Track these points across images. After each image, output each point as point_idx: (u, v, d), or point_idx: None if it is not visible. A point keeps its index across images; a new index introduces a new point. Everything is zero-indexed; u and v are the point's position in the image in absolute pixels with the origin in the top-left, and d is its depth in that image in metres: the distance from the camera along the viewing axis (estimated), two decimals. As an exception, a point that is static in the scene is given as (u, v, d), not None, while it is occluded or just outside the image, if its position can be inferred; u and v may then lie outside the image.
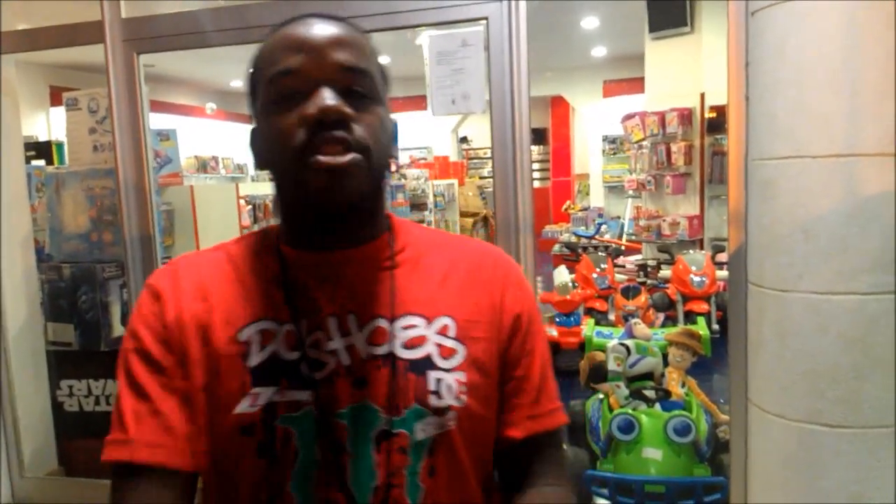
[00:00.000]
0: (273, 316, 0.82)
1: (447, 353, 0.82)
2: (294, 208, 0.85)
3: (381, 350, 0.81)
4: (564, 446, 0.95)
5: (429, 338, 0.82)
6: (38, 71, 8.28)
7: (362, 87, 0.79)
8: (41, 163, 5.75)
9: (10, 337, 3.14)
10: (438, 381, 0.81)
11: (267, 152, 0.82)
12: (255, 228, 6.30)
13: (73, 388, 3.18)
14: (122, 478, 0.79)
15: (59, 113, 7.57)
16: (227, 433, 0.78)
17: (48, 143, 6.55)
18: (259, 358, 0.80)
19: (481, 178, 11.80)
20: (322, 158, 0.75)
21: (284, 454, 0.78)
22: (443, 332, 0.83)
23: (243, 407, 0.78)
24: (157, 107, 8.97)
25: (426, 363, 0.81)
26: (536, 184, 12.25)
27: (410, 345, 0.82)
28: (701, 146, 6.04)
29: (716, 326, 4.57)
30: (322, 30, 0.79)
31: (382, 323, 0.82)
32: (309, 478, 0.78)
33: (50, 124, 8.60)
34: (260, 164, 0.86)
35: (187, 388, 0.80)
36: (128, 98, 2.84)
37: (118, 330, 3.14)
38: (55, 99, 8.34)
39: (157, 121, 3.03)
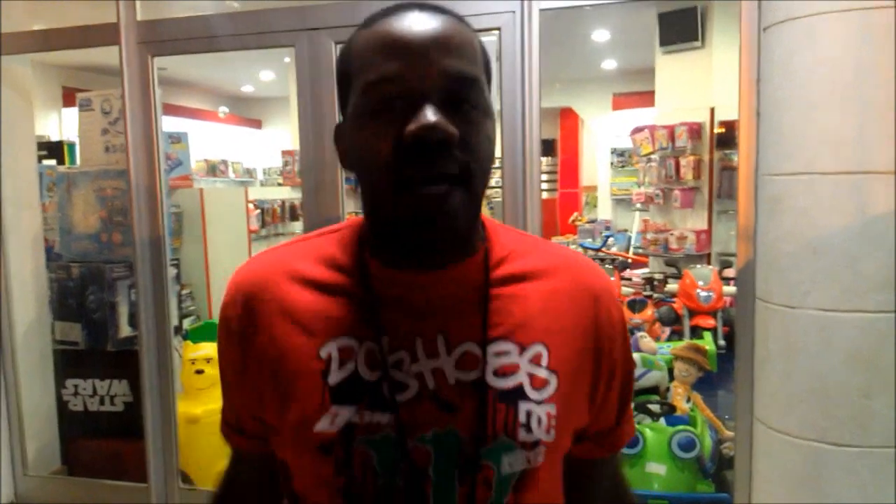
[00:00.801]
0: (354, 332, 0.76)
1: (539, 384, 0.76)
2: (384, 228, 0.77)
3: (471, 376, 0.75)
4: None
5: (521, 366, 0.76)
6: (51, 71, 8.34)
7: (470, 98, 0.70)
8: (52, 162, 5.78)
9: (18, 335, 3.16)
10: (528, 413, 0.75)
11: (356, 162, 0.74)
12: (263, 233, 6.34)
13: (78, 387, 3.19)
14: (233, 456, 0.90)
15: (72, 113, 7.63)
16: (304, 452, 0.76)
17: (60, 143, 6.59)
18: (339, 376, 0.75)
19: (489, 188, 11.79)
20: (423, 189, 0.67)
21: (364, 477, 0.74)
22: (536, 360, 0.77)
23: (322, 425, 0.74)
24: (168, 110, 9.01)
25: (517, 393, 0.75)
26: (544, 195, 12.24)
27: (502, 373, 0.75)
28: (710, 161, 6.03)
29: (722, 342, 4.55)
30: (426, 27, 0.69)
31: (473, 348, 0.76)
32: (389, 502, 0.74)
33: (62, 124, 8.65)
34: (347, 167, 0.79)
35: (263, 403, 0.80)
36: (141, 100, 2.86)
37: (125, 330, 3.15)
38: (68, 99, 8.40)
39: (167, 123, 3.05)
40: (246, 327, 0.79)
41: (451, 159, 0.68)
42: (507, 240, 0.83)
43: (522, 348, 0.77)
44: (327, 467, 0.74)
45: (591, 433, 0.85)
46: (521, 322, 0.77)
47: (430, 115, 0.66)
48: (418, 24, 0.69)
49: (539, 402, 0.76)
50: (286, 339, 0.77)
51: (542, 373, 0.76)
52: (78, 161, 3.40)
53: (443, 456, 0.74)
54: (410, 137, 0.66)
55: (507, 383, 0.75)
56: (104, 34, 2.86)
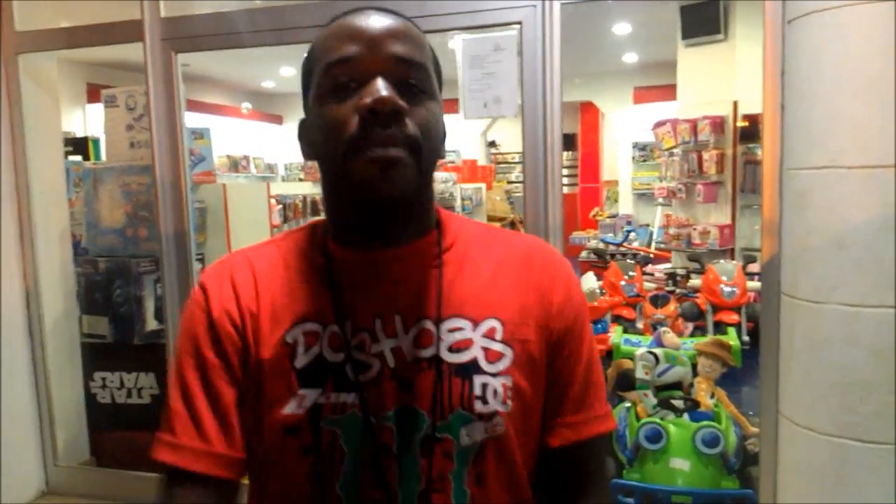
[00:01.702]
0: (318, 317, 0.81)
1: (494, 357, 0.80)
2: (341, 201, 0.83)
3: (427, 353, 0.79)
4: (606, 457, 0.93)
5: (475, 341, 0.80)
6: (76, 68, 8.46)
7: (417, 80, 0.78)
8: (78, 158, 5.86)
9: (47, 328, 3.22)
10: (484, 385, 0.79)
11: (318, 142, 0.80)
12: (285, 228, 6.38)
13: (106, 380, 3.24)
14: (171, 480, 0.80)
15: (96, 109, 7.72)
16: (272, 433, 0.79)
17: (85, 139, 6.67)
18: (305, 360, 0.79)
19: (509, 182, 11.78)
20: (373, 152, 0.73)
21: (331, 455, 0.78)
22: (489, 334, 0.81)
23: (290, 408, 0.78)
24: (191, 106, 9.09)
25: (472, 367, 0.79)
26: (565, 189, 12.19)
27: (456, 348, 0.80)
28: (733, 155, 5.97)
29: (746, 338, 4.51)
30: (380, 21, 0.78)
31: (429, 325, 0.80)
32: (356, 479, 0.78)
33: (87, 120, 8.76)
34: (309, 155, 0.85)
35: (232, 386, 0.81)
36: (165, 96, 2.89)
37: (151, 324, 3.20)
38: (92, 95, 8.51)
39: (190, 119, 3.08)
40: (216, 320, 0.82)
41: (402, 129, 0.75)
42: (460, 225, 0.89)
43: (476, 323, 0.81)
44: (295, 448, 0.78)
45: (561, 417, 0.86)
46: (473, 298, 0.83)
47: (382, 89, 0.74)
48: (374, 18, 0.78)
49: (494, 375, 0.80)
50: (253, 328, 0.81)
51: (496, 346, 0.81)
52: (103, 157, 3.45)
53: (405, 432, 0.78)
54: (365, 108, 0.73)
55: (462, 358, 0.80)
56: (128, 31, 2.90)
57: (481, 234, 0.90)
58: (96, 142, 6.40)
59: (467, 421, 0.78)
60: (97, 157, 6.22)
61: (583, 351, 0.87)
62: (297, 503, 0.80)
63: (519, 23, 2.49)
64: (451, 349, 0.80)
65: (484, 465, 0.80)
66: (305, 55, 0.84)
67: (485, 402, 0.79)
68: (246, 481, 0.85)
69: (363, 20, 0.78)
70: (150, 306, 3.20)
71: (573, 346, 0.86)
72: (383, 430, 0.78)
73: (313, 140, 0.82)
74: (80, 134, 7.84)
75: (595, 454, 0.90)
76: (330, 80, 0.77)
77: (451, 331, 0.81)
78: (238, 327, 0.81)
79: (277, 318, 0.81)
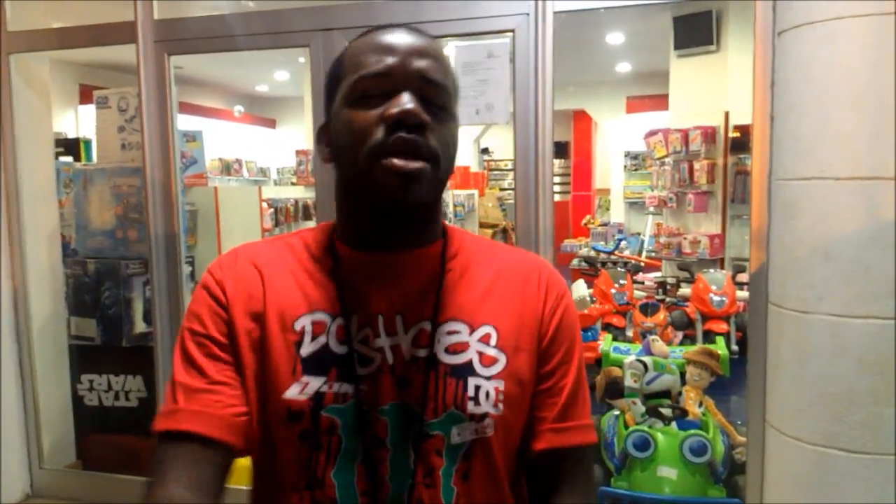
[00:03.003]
0: (326, 309, 0.85)
1: (488, 362, 0.85)
2: (357, 204, 0.87)
3: (424, 353, 0.84)
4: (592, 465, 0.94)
5: (471, 345, 0.85)
6: (68, 68, 8.43)
7: (439, 99, 0.83)
8: (69, 159, 5.83)
9: (35, 330, 3.20)
10: (477, 387, 0.83)
11: (341, 146, 0.84)
12: (277, 231, 6.37)
13: (93, 382, 3.22)
14: (164, 443, 0.80)
15: (88, 110, 7.70)
16: (274, 417, 0.82)
17: (76, 140, 6.65)
18: (311, 348, 0.83)
19: (501, 189, 11.80)
20: (396, 161, 0.78)
21: (328, 442, 0.81)
22: (485, 340, 0.86)
23: (293, 393, 0.81)
24: (184, 108, 9.07)
25: (466, 369, 0.84)
26: (557, 197, 12.22)
27: (452, 350, 0.84)
28: (724, 165, 6.00)
29: (735, 347, 4.53)
30: (410, 40, 0.83)
31: (427, 326, 0.85)
32: (350, 468, 0.81)
33: (78, 121, 8.73)
34: (328, 158, 0.89)
35: (239, 369, 0.84)
36: (157, 98, 2.89)
37: (140, 326, 3.18)
38: (84, 97, 8.48)
39: (183, 122, 3.08)
40: (223, 302, 0.86)
41: (424, 141, 0.79)
42: (466, 237, 0.95)
43: (472, 328, 0.86)
44: (295, 433, 0.82)
45: (549, 423, 0.89)
46: (471, 305, 0.87)
47: (408, 102, 0.79)
48: (406, 37, 0.83)
49: (488, 378, 0.84)
50: (261, 313, 0.85)
51: (490, 351, 0.85)
52: (94, 158, 3.43)
53: (398, 426, 0.82)
54: (392, 118, 0.78)
55: (458, 360, 0.84)
56: (121, 33, 2.89)
57: (483, 247, 0.95)
58: (88, 143, 6.38)
59: (459, 420, 0.82)
60: (88, 158, 6.20)
61: (573, 364, 0.91)
62: (292, 485, 0.83)
63: (512, 31, 2.50)
64: (447, 350, 0.84)
65: (470, 463, 0.83)
66: (335, 60, 0.88)
67: (477, 403, 0.83)
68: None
69: (396, 38, 0.83)
70: (138, 309, 3.18)
71: (564, 358, 0.90)
72: (378, 423, 0.82)
73: (336, 143, 0.86)
74: (71, 135, 7.81)
75: (582, 461, 0.92)
76: (360, 91, 0.82)
77: (449, 333, 0.85)
78: (244, 312, 0.85)
79: (286, 307, 0.85)
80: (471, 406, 0.82)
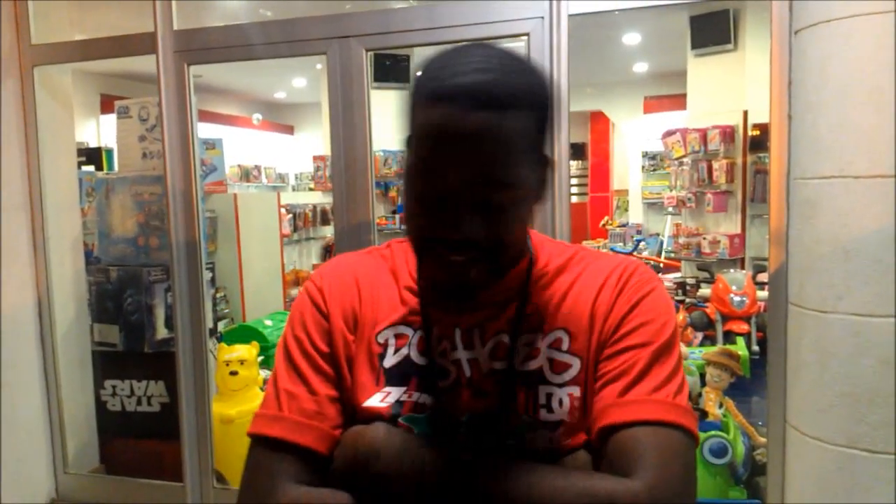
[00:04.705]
0: (408, 321, 0.87)
1: (560, 368, 0.83)
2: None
3: (500, 365, 0.83)
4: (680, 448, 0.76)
5: (542, 351, 0.83)
6: (90, 79, 8.54)
7: (503, 198, 0.74)
8: (91, 168, 5.92)
9: (58, 336, 3.24)
10: (549, 395, 0.82)
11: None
12: (295, 237, 6.39)
13: (116, 388, 3.27)
14: (266, 450, 0.82)
15: (109, 120, 7.80)
16: (355, 422, 0.83)
17: (98, 150, 6.74)
18: (393, 360, 0.86)
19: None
20: (444, 256, 0.76)
21: None
22: (556, 345, 0.84)
23: (374, 401, 0.83)
24: (203, 116, 9.16)
25: (537, 377, 0.83)
26: (574, 199, 12.18)
27: (525, 358, 0.84)
28: (743, 164, 5.95)
29: (755, 347, 4.49)
30: (475, 121, 0.69)
31: (505, 339, 0.84)
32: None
33: (100, 131, 8.85)
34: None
35: (334, 373, 0.86)
36: (178, 107, 2.92)
37: (162, 332, 3.22)
38: (105, 107, 8.59)
39: (202, 130, 3.12)
40: (325, 312, 0.88)
41: (476, 227, 0.73)
42: (556, 250, 0.91)
43: (544, 334, 0.84)
44: None
45: (596, 402, 0.81)
46: (545, 311, 0.85)
47: (458, 222, 0.73)
48: (462, 115, 0.69)
49: (560, 385, 0.82)
50: (354, 324, 0.88)
51: (563, 357, 0.83)
52: (116, 167, 3.48)
53: (474, 437, 0.82)
54: (438, 235, 0.75)
55: (528, 367, 0.83)
56: (142, 43, 2.94)
57: (569, 253, 0.90)
58: (109, 152, 6.47)
59: (532, 429, 0.81)
60: (110, 167, 6.29)
61: (647, 349, 0.80)
62: None
63: (526, 34, 2.50)
64: (521, 360, 0.84)
65: None
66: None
67: (550, 410, 0.82)
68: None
69: (458, 115, 0.70)
70: (160, 315, 3.22)
71: (634, 344, 0.81)
72: (455, 433, 0.83)
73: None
74: (93, 144, 7.93)
75: (659, 446, 0.74)
76: (420, 147, 0.75)
77: (525, 344, 0.84)
78: (343, 322, 0.88)
79: (374, 319, 0.88)
80: (543, 414, 0.81)
